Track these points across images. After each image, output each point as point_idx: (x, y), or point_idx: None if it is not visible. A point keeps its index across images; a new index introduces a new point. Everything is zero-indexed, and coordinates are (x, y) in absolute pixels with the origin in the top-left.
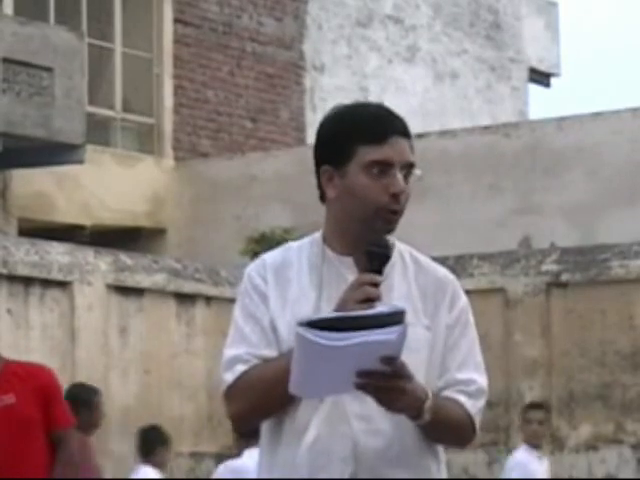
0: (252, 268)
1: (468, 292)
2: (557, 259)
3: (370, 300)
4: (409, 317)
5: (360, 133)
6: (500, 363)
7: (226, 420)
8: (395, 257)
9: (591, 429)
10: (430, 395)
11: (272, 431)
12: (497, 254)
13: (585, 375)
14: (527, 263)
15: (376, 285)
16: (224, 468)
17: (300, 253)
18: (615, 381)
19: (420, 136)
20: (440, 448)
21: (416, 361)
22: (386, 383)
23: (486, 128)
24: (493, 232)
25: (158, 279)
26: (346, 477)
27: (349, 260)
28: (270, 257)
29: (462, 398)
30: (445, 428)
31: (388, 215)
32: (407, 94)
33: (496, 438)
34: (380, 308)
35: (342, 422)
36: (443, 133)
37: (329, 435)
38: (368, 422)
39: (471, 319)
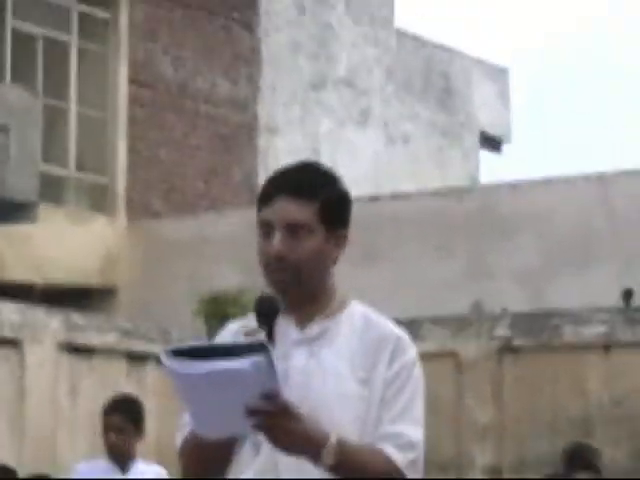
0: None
1: (420, 355)
2: (509, 324)
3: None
4: (344, 371)
5: (258, 195)
6: (451, 427)
7: None
8: (344, 314)
9: None
10: (333, 439)
11: None
12: (449, 318)
13: (536, 441)
14: (479, 327)
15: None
16: None
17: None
18: None
19: (372, 199)
20: None
21: (347, 414)
22: (268, 422)
23: (438, 192)
24: (444, 295)
25: (109, 338)
26: None
27: (289, 319)
28: (233, 323)
29: (389, 449)
30: (359, 476)
31: (273, 274)
32: (359, 157)
33: None
34: (241, 340)
35: (272, 474)
36: (395, 196)
37: None
38: (298, 476)
39: (415, 375)
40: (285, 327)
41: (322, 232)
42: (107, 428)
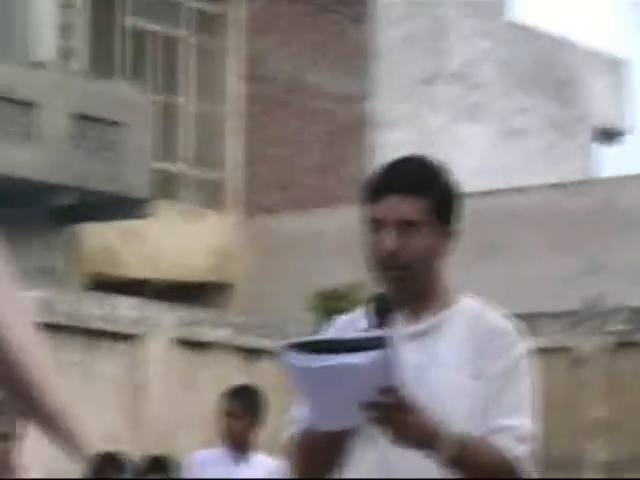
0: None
1: (536, 350)
2: (625, 319)
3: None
4: (455, 365)
5: (366, 192)
6: (565, 422)
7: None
8: (454, 309)
9: None
10: (450, 432)
11: None
12: (564, 313)
13: None
14: (595, 322)
15: None
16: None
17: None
18: None
19: (486, 194)
20: None
21: (459, 408)
22: (385, 415)
23: (553, 185)
24: (561, 290)
25: (223, 334)
26: None
27: (399, 314)
28: (342, 317)
29: (506, 442)
30: (476, 470)
31: (385, 272)
32: (471, 152)
33: None
34: (361, 334)
35: (383, 471)
36: (509, 190)
37: None
38: (410, 472)
39: (526, 370)
40: (396, 322)
41: (434, 228)
42: (225, 414)
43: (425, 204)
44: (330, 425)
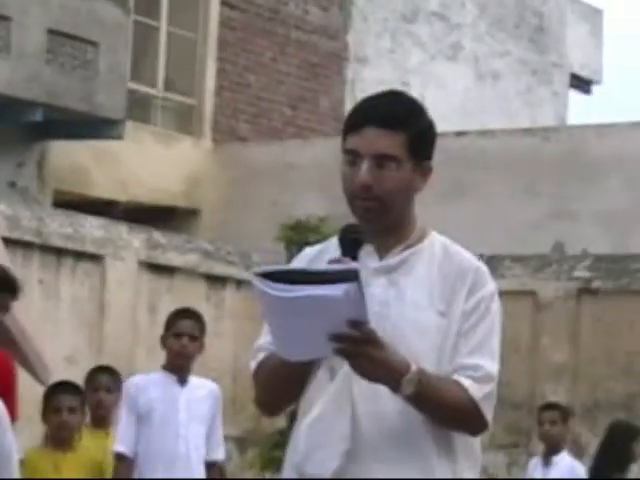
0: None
1: (499, 293)
2: (589, 266)
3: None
4: (423, 301)
5: (345, 122)
6: (526, 366)
7: (249, 404)
8: (424, 245)
9: None
10: (414, 368)
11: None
12: (529, 257)
13: (610, 384)
14: (559, 268)
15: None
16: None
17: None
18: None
19: (459, 134)
20: (460, 445)
21: (424, 344)
22: (353, 348)
23: (526, 130)
24: (527, 234)
25: (190, 259)
26: (340, 457)
27: (369, 248)
28: (310, 248)
29: (465, 381)
30: (437, 406)
31: (359, 203)
32: (448, 91)
33: (517, 440)
34: (335, 267)
35: (346, 402)
36: (483, 132)
37: (331, 414)
38: (373, 403)
39: (493, 309)
40: (365, 256)
41: (409, 164)
42: (179, 333)
43: (401, 139)
44: (297, 356)
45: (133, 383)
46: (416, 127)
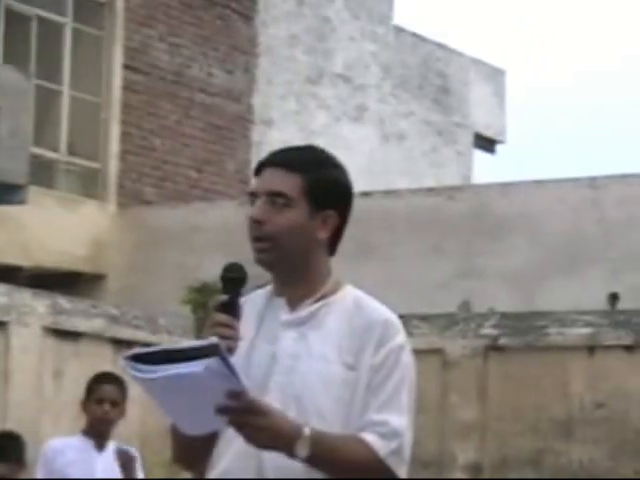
0: None
1: None
2: (496, 323)
3: (224, 338)
4: (331, 354)
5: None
6: (435, 424)
7: (157, 469)
8: (336, 297)
9: None
10: (306, 431)
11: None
12: (437, 315)
13: (518, 440)
14: (466, 326)
15: (228, 310)
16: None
17: (260, 296)
18: (548, 447)
19: (364, 194)
20: None
21: (331, 398)
22: (237, 419)
23: (431, 190)
24: (434, 294)
25: (96, 324)
26: None
27: (281, 300)
28: (256, 292)
29: (371, 438)
30: (337, 466)
31: (253, 245)
32: (353, 152)
33: None
34: (195, 342)
35: (252, 457)
36: (388, 193)
37: (237, 469)
38: (279, 458)
39: (403, 361)
40: (276, 308)
41: (305, 207)
42: (100, 399)
43: (297, 181)
44: (195, 430)
45: (51, 446)
46: (316, 173)
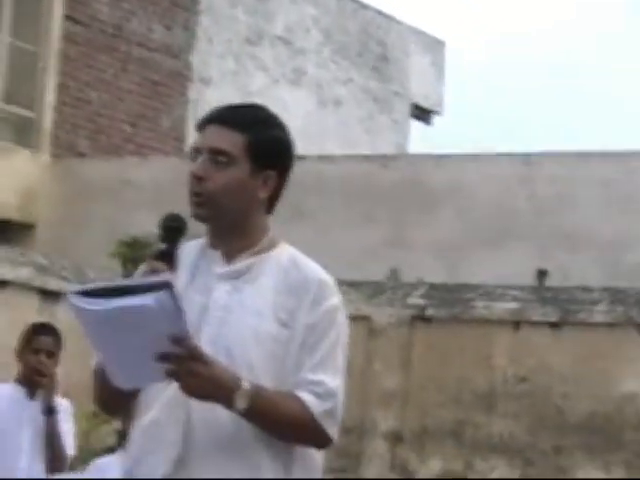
0: None
1: None
2: (424, 294)
3: (155, 271)
4: (264, 309)
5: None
6: (358, 391)
7: (81, 421)
8: (272, 254)
9: (441, 464)
10: (245, 385)
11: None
12: (365, 283)
13: (440, 411)
14: (393, 295)
15: (165, 259)
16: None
17: (194, 247)
18: (469, 419)
19: (299, 158)
20: (298, 457)
21: (262, 353)
22: (178, 367)
23: (365, 157)
24: (363, 261)
25: (23, 273)
26: (169, 463)
27: (216, 253)
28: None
29: (306, 397)
30: (273, 421)
31: (192, 199)
32: (290, 115)
33: (346, 465)
34: (148, 278)
35: (181, 408)
36: (322, 157)
37: (165, 420)
38: (208, 411)
39: (338, 321)
40: (211, 261)
41: (246, 166)
42: (37, 349)
43: (239, 139)
44: (130, 383)
45: None
46: (259, 132)
